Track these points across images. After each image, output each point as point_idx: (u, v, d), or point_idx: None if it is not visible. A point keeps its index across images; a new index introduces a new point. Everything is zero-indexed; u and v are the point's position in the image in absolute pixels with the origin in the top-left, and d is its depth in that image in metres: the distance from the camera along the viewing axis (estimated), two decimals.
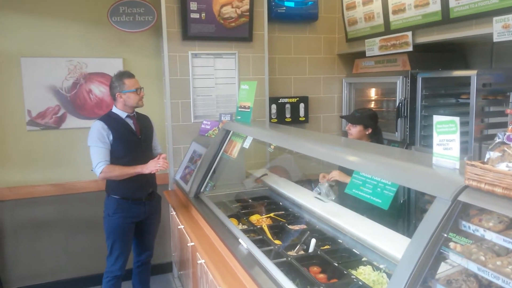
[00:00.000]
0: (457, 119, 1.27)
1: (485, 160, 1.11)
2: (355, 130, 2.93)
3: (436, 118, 1.34)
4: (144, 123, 3.05)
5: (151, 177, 2.96)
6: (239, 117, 3.15)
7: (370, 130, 2.94)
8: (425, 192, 1.25)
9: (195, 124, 3.80)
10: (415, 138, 3.52)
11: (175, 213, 3.34)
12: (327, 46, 4.42)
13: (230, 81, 3.90)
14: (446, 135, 1.29)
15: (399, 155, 1.57)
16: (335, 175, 2.78)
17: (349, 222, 2.41)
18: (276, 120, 4.20)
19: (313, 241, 2.21)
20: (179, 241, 3.41)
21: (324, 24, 4.35)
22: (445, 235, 1.12)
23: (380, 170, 1.44)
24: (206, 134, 3.69)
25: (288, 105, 4.25)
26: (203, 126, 3.73)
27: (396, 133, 3.62)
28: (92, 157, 2.78)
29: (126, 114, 2.91)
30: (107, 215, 2.91)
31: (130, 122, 2.93)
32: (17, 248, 3.62)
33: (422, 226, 1.15)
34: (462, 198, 1.13)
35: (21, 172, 3.58)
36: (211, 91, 3.84)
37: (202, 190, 3.21)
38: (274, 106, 4.19)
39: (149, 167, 2.76)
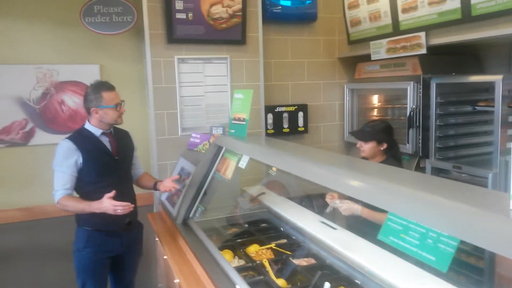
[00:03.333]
0: None
1: None
2: (367, 147, 2.57)
3: None
4: (123, 141, 2.61)
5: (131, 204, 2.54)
6: (233, 131, 2.75)
7: (385, 146, 2.58)
8: None
9: (183, 137, 3.39)
10: (429, 151, 3.16)
11: (159, 240, 2.92)
12: (327, 49, 4.05)
13: (222, 89, 3.50)
14: None
15: (453, 191, 1.18)
16: (347, 209, 2.38)
17: (366, 257, 2.03)
18: (272, 131, 3.81)
19: (327, 285, 1.81)
20: (165, 273, 2.98)
21: (324, 25, 3.98)
22: None
23: (435, 218, 1.05)
24: (195, 149, 3.28)
25: (285, 114, 3.86)
26: (191, 139, 3.32)
27: (407, 145, 3.26)
28: (54, 181, 2.35)
29: (101, 131, 2.47)
30: (76, 249, 2.47)
31: (105, 140, 2.49)
32: None
33: None
34: None
35: None
36: (201, 100, 3.44)
37: (191, 215, 2.80)
38: (270, 116, 3.80)
39: (105, 207, 2.23)
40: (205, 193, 2.81)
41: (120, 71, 3.39)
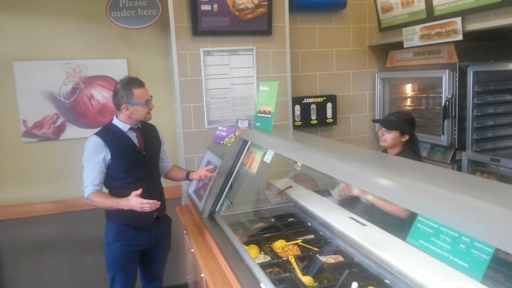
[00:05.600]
0: None
1: None
2: (390, 136, 2.56)
3: None
4: (150, 135, 2.61)
5: (157, 199, 2.56)
6: (258, 124, 2.71)
7: (407, 137, 2.56)
8: None
9: (209, 130, 3.37)
10: (466, 142, 3.01)
11: (186, 234, 2.93)
12: (357, 37, 3.91)
13: (248, 81, 3.45)
14: None
15: (492, 193, 1.08)
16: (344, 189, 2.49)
17: (397, 255, 1.94)
18: (300, 123, 3.73)
19: (355, 285, 1.75)
20: (192, 266, 3.00)
21: (353, 12, 3.84)
22: None
23: (469, 223, 0.96)
24: (221, 142, 3.26)
25: (313, 106, 3.77)
26: (218, 132, 3.30)
27: (442, 136, 3.11)
28: (83, 177, 2.39)
29: (128, 126, 2.46)
30: (106, 243, 2.52)
31: (132, 135, 2.49)
32: (17, 272, 3.29)
33: None
34: None
35: (17, 189, 3.24)
36: (227, 93, 3.40)
37: (217, 209, 2.78)
38: (297, 107, 3.72)
39: (133, 204, 2.25)
40: (231, 187, 2.79)
41: (147, 65, 3.40)
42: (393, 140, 2.57)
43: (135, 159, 2.47)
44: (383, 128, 2.60)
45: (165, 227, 2.71)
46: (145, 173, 2.51)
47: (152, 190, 2.52)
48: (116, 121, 2.47)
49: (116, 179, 2.43)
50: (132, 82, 2.39)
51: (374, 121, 2.82)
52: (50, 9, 3.14)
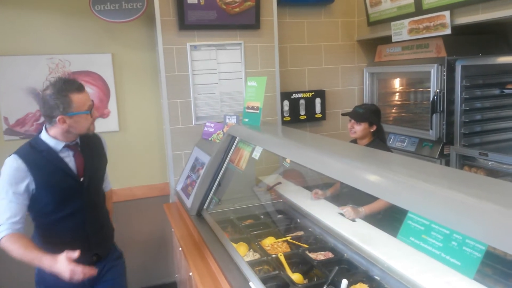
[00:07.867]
0: None
1: None
2: (359, 128, 2.67)
3: None
4: (93, 153, 2.04)
5: (99, 235, 2.07)
6: (247, 120, 2.67)
7: (374, 128, 2.68)
8: None
9: (197, 126, 3.32)
10: (454, 137, 3.01)
11: (174, 232, 2.89)
12: (345, 31, 3.88)
13: (236, 76, 3.40)
14: None
15: (483, 189, 1.06)
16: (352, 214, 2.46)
17: (386, 251, 1.93)
18: (289, 119, 3.70)
19: (345, 282, 1.73)
20: (180, 264, 2.96)
21: (342, 6, 3.82)
22: None
23: (460, 220, 0.94)
24: (209, 138, 3.21)
25: (302, 101, 3.75)
26: (206, 128, 3.25)
27: (431, 131, 3.11)
28: None
29: (63, 144, 1.88)
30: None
31: (67, 155, 1.91)
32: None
33: None
34: None
35: None
36: (214, 88, 3.35)
37: (205, 206, 2.74)
38: (286, 102, 3.69)
39: (61, 268, 1.63)
40: (219, 184, 2.75)
41: (132, 60, 3.32)
42: (362, 132, 2.67)
43: (68, 188, 1.91)
44: (353, 121, 2.69)
45: (110, 267, 2.13)
46: (82, 204, 1.97)
47: (89, 224, 2.01)
48: (45, 137, 1.88)
49: (43, 214, 1.89)
50: (69, 86, 1.81)
51: (344, 114, 2.84)
52: (31, 2, 3.04)
